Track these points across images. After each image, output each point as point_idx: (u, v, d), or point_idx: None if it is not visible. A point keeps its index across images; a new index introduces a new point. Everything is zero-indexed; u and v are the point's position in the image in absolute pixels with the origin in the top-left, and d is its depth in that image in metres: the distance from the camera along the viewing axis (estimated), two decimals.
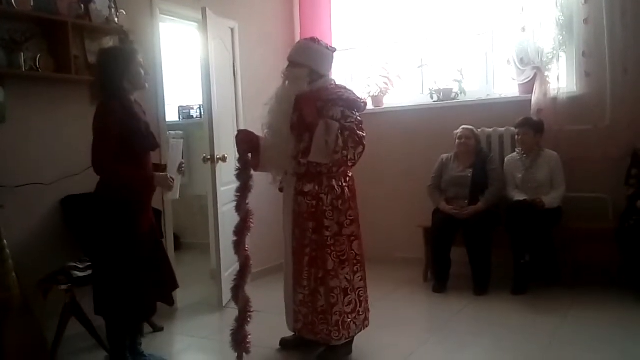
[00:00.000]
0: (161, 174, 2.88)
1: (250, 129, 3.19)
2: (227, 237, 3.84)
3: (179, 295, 4.15)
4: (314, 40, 3.08)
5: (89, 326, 3.21)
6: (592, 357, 2.93)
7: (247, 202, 2.99)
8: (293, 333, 3.24)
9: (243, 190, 2.99)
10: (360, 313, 3.07)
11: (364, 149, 2.94)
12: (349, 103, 2.96)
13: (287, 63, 3.06)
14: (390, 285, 4.48)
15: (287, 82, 3.01)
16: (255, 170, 3.06)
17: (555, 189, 4.15)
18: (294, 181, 3.06)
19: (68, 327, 3.16)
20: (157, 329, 3.61)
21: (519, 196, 4.15)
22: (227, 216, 4.04)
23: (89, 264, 3.12)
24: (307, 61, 2.98)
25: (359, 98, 3.06)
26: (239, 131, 3.15)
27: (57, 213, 3.42)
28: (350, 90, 3.06)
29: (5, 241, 2.78)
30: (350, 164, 2.97)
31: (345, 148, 2.85)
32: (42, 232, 3.35)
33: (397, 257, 5.11)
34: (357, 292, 3.04)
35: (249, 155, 3.05)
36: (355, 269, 3.05)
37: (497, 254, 4.20)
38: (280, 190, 3.21)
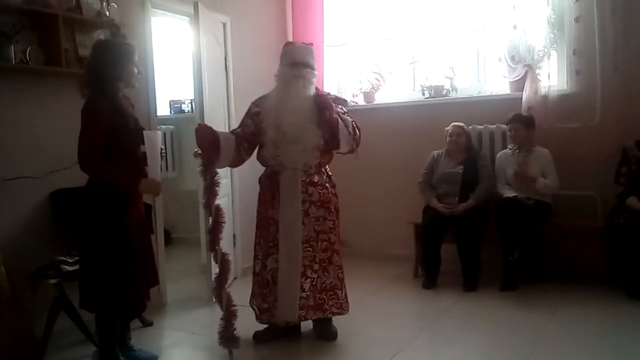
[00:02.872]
0: (148, 178, 2.83)
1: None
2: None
3: (168, 290, 4.17)
4: (311, 44, 3.35)
5: (78, 320, 3.20)
6: (580, 352, 2.96)
7: (216, 199, 3.02)
8: (266, 326, 3.33)
9: (211, 187, 3.01)
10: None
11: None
12: (342, 101, 3.38)
13: (297, 65, 3.17)
14: (381, 281, 4.50)
15: (304, 82, 3.17)
16: (217, 165, 3.11)
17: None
18: (297, 175, 3.16)
19: (57, 322, 3.13)
20: (146, 323, 3.61)
21: (508, 193, 4.17)
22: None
23: (79, 258, 3.10)
24: (314, 64, 3.26)
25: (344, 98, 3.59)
26: (200, 125, 3.16)
27: (46, 207, 3.39)
28: None
29: None
30: (353, 152, 3.30)
31: (359, 137, 3.27)
32: (31, 225, 3.32)
33: (388, 253, 5.12)
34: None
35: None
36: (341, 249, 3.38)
37: (486, 251, 4.22)
38: (260, 183, 3.36)
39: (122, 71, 2.77)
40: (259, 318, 3.33)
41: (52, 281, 3.07)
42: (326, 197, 3.23)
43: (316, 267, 3.19)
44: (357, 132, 3.25)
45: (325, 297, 3.22)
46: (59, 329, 3.19)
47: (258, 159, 3.31)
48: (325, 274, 3.23)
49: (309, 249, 3.18)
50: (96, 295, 2.79)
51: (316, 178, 3.22)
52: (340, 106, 3.28)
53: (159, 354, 3.15)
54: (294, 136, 3.09)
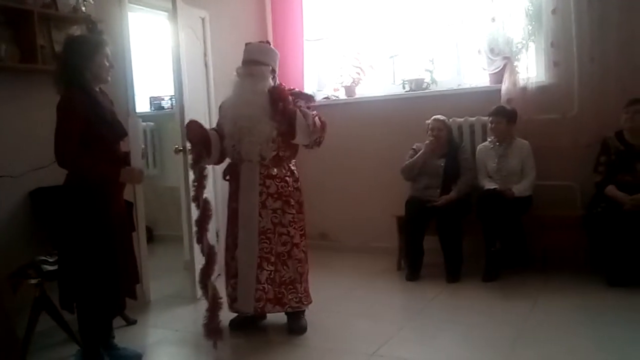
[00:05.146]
0: (128, 167, 2.82)
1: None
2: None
3: (152, 287, 4.14)
4: (268, 42, 3.49)
5: (60, 320, 3.17)
6: (562, 339, 3.00)
7: (204, 192, 3.12)
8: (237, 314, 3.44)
9: (200, 181, 3.14)
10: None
11: (326, 131, 3.40)
12: (307, 97, 3.46)
13: (248, 63, 3.28)
14: (364, 274, 4.52)
15: (255, 79, 3.23)
16: (205, 161, 3.23)
17: (525, 177, 4.22)
18: (257, 167, 3.23)
19: (39, 322, 3.10)
20: (130, 321, 3.59)
21: (489, 185, 4.21)
22: None
23: (58, 257, 3.07)
24: (268, 60, 3.32)
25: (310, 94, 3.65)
26: (191, 121, 3.32)
27: (26, 206, 3.35)
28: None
29: None
30: (318, 146, 3.39)
31: (321, 130, 3.31)
32: (11, 225, 3.29)
33: (371, 246, 5.15)
34: (308, 263, 3.43)
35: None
36: (307, 242, 3.44)
37: (468, 242, 4.26)
38: (225, 178, 3.44)
39: (90, 63, 2.74)
40: (230, 307, 3.37)
41: (33, 281, 3.04)
42: (285, 190, 3.28)
43: (273, 259, 3.24)
44: (319, 125, 3.29)
45: (284, 290, 3.27)
46: (41, 329, 3.16)
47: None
48: (285, 267, 3.27)
49: (266, 241, 3.23)
50: (76, 295, 2.76)
51: (275, 171, 3.27)
52: (303, 101, 3.36)
53: (143, 352, 3.13)
54: (247, 128, 3.19)
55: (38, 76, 3.38)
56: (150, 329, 3.62)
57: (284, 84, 3.43)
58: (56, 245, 3.13)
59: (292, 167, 3.40)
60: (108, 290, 2.77)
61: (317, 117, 3.31)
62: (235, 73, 3.33)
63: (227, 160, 3.46)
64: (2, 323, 2.84)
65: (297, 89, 3.51)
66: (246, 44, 3.40)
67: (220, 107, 3.48)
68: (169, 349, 3.34)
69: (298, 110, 3.23)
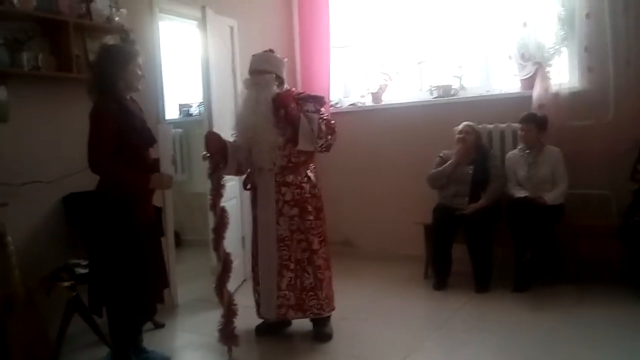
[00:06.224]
0: (157, 173, 2.86)
1: None
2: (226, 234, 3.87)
3: (179, 291, 4.19)
4: (272, 51, 3.44)
5: (91, 322, 3.24)
6: (595, 355, 2.91)
7: (221, 200, 3.18)
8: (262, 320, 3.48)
9: (217, 189, 3.19)
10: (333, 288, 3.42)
11: (336, 135, 3.36)
12: (316, 99, 3.41)
13: (253, 73, 3.32)
14: (391, 282, 4.49)
15: (259, 88, 3.26)
16: (222, 171, 3.27)
17: (557, 185, 4.13)
18: (272, 175, 3.27)
19: (71, 324, 3.18)
20: (158, 325, 3.64)
21: (519, 193, 4.14)
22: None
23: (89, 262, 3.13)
24: (272, 68, 3.32)
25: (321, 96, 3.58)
26: (209, 132, 3.39)
27: (59, 210, 3.44)
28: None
29: (9, 238, 2.81)
30: (328, 150, 3.36)
31: (328, 134, 3.27)
32: (44, 229, 3.38)
33: (398, 254, 5.09)
34: (330, 270, 3.41)
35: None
36: (327, 249, 3.40)
37: (498, 251, 4.19)
38: (246, 187, 3.47)
39: (123, 71, 2.80)
40: (257, 313, 3.46)
41: (66, 284, 3.11)
42: (301, 197, 3.28)
43: (292, 266, 3.26)
44: (326, 129, 3.26)
45: (305, 297, 3.28)
46: (73, 331, 3.23)
47: None
48: (305, 274, 3.28)
49: (285, 248, 3.26)
50: (106, 299, 2.81)
51: (290, 178, 3.28)
52: (312, 104, 3.33)
53: (170, 356, 3.18)
54: (254, 138, 3.22)
55: (73, 84, 3.46)
56: (178, 332, 3.67)
57: (292, 89, 3.45)
58: (88, 249, 3.20)
59: (310, 173, 3.38)
60: (137, 294, 2.81)
61: (324, 122, 3.28)
62: (243, 85, 3.37)
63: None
64: (36, 325, 2.92)
65: (305, 93, 3.50)
66: (252, 55, 3.42)
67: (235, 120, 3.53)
68: (196, 353, 3.38)
69: (302, 115, 3.22)
